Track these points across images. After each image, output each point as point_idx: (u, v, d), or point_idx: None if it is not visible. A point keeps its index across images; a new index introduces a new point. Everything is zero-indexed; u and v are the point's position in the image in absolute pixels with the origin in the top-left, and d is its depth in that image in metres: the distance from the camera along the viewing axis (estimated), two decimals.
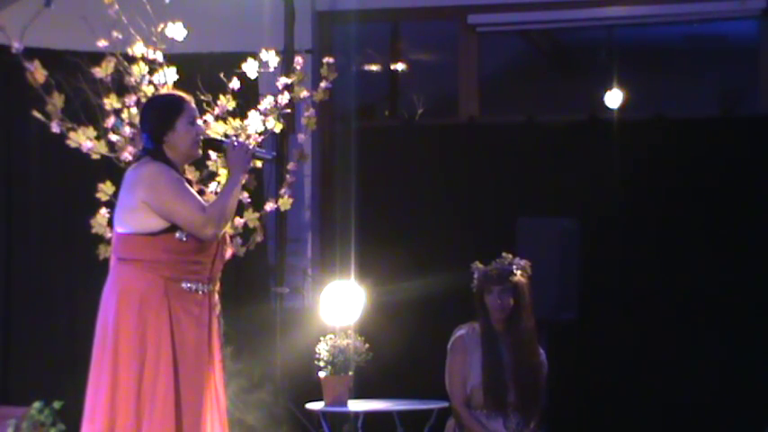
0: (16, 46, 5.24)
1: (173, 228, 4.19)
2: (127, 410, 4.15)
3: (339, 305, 6.07)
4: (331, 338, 5.82)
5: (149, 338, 4.15)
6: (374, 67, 7.73)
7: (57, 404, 5.77)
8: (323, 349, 5.79)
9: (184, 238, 4.20)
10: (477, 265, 5.50)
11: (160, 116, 4.33)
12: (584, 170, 6.72)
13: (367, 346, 5.83)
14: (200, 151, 4.38)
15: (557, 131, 6.85)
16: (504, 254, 5.52)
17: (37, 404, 5.83)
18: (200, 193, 4.39)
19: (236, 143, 4.38)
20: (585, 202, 6.67)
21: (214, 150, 4.51)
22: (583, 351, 6.55)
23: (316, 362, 5.80)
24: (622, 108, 7.10)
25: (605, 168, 6.67)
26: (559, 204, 6.64)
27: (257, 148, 4.55)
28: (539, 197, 6.72)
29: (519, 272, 5.45)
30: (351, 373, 5.80)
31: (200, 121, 4.48)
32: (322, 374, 5.79)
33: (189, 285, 4.22)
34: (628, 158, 6.68)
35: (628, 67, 7.17)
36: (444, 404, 5.64)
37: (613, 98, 7.15)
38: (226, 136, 5.18)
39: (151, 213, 4.19)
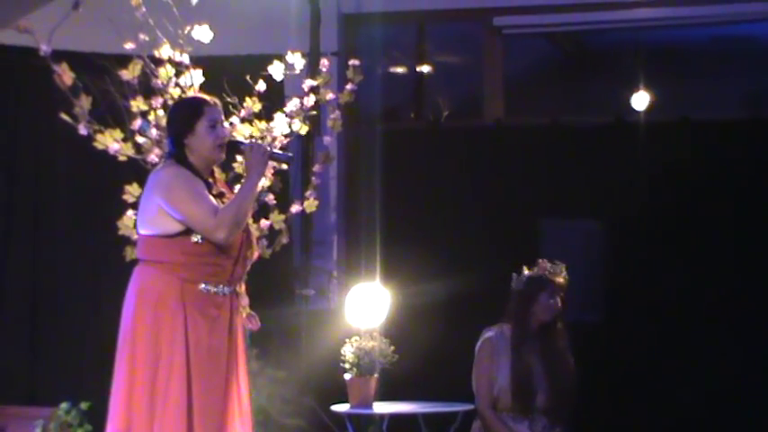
0: (44, 48, 5.28)
1: (189, 230, 4.21)
2: (141, 411, 4.17)
3: (364, 307, 6.06)
4: (356, 340, 5.82)
5: (164, 339, 4.18)
6: (399, 70, 7.71)
7: (84, 405, 5.80)
8: (348, 351, 5.80)
9: (201, 241, 4.21)
10: (525, 269, 5.53)
11: (181, 119, 4.36)
12: (609, 172, 6.69)
13: (392, 348, 5.85)
14: (223, 154, 4.38)
15: (582, 134, 6.83)
16: (540, 260, 5.54)
17: (64, 405, 5.86)
18: (221, 195, 4.38)
19: (253, 145, 4.38)
20: (611, 204, 6.65)
21: (236, 152, 4.52)
22: (607, 353, 6.51)
23: (341, 364, 5.81)
24: (648, 110, 7.07)
25: (631, 170, 6.65)
26: (584, 206, 6.63)
27: (275, 150, 4.55)
28: (564, 199, 6.70)
29: (564, 274, 5.51)
30: (376, 375, 5.80)
31: (225, 124, 4.50)
32: (347, 376, 5.80)
33: (207, 287, 4.23)
34: (653, 161, 6.64)
35: (654, 69, 7.13)
36: (470, 406, 5.64)
37: (639, 100, 7.11)
38: (251, 138, 5.18)
39: (168, 216, 4.22)
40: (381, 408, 5.84)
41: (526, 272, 5.52)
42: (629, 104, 7.11)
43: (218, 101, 4.44)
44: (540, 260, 5.55)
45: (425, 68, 7.57)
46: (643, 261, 6.62)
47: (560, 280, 5.48)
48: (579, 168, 6.74)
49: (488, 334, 5.51)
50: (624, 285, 6.57)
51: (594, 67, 7.46)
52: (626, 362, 6.56)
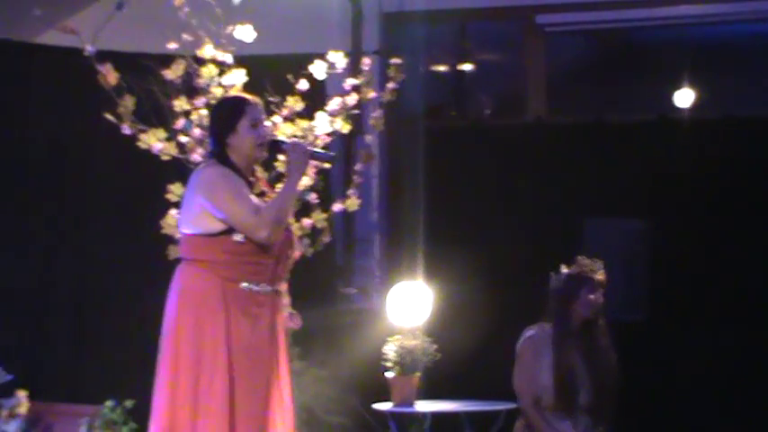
0: (89, 49, 5.31)
1: (231, 229, 4.23)
2: (184, 409, 4.19)
3: (407, 306, 6.04)
4: (399, 339, 5.82)
5: (206, 338, 4.19)
6: (441, 68, 7.70)
7: (128, 403, 5.82)
8: (390, 350, 5.81)
9: (242, 240, 4.22)
10: (564, 268, 5.51)
11: (222, 118, 4.38)
12: (652, 170, 6.66)
13: (435, 346, 5.85)
14: (265, 153, 4.40)
15: (625, 131, 6.80)
16: (579, 258, 5.51)
17: (109, 403, 5.87)
18: (263, 194, 4.39)
19: (295, 144, 4.39)
20: (654, 202, 6.62)
21: (278, 151, 4.52)
22: (650, 353, 6.48)
23: (383, 362, 5.81)
24: (692, 107, 7.03)
25: (675, 168, 6.61)
26: (628, 205, 6.60)
27: (316, 149, 4.56)
28: (607, 198, 6.68)
29: (602, 270, 5.49)
30: (418, 373, 5.80)
31: (267, 123, 4.50)
32: (390, 375, 5.80)
33: (249, 286, 4.24)
34: (698, 158, 6.61)
35: (697, 66, 7.08)
36: (512, 405, 5.61)
37: (683, 97, 7.07)
38: (293, 137, 5.20)
39: (209, 215, 4.24)
40: (424, 406, 5.84)
41: (565, 270, 5.49)
42: (672, 102, 7.08)
43: (259, 100, 4.46)
44: (579, 257, 5.53)
45: (467, 66, 7.56)
46: (687, 260, 6.59)
47: (600, 276, 5.45)
48: (622, 166, 6.71)
49: (530, 333, 5.50)
50: (667, 285, 6.54)
51: (638, 64, 7.40)
52: (669, 361, 6.52)
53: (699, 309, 6.57)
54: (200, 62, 5.44)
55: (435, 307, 6.13)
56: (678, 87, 7.07)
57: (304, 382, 5.90)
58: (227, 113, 4.38)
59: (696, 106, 7.04)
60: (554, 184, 6.80)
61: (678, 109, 7.03)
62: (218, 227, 4.23)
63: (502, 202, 6.86)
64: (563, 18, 7.03)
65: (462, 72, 7.58)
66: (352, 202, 5.73)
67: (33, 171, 6.45)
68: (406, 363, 5.76)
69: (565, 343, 5.40)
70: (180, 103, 5.42)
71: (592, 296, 5.42)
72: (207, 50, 5.43)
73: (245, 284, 4.24)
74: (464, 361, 6.36)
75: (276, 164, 5.35)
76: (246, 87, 5.30)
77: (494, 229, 6.80)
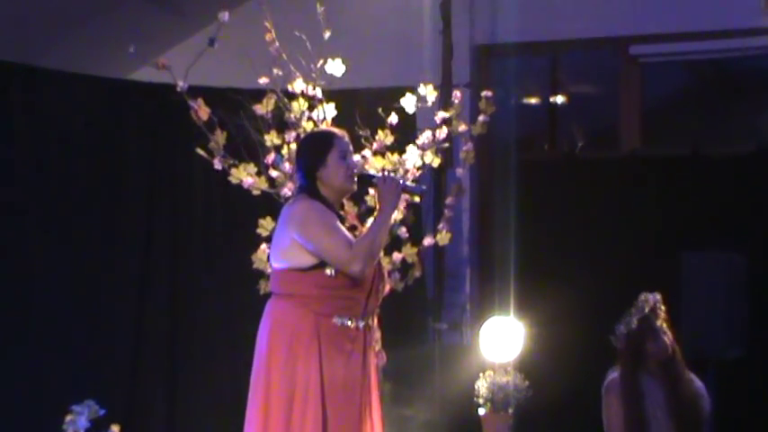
0: (181, 84, 5.36)
1: (323, 263, 4.23)
2: None
3: (499, 341, 6.01)
4: (490, 375, 5.81)
5: (299, 374, 4.19)
6: (533, 100, 7.65)
7: None
8: (482, 386, 5.81)
9: (334, 274, 4.22)
10: (630, 319, 5.41)
11: (311, 152, 4.40)
12: (751, 202, 6.54)
13: (527, 383, 5.82)
14: (355, 185, 4.40)
15: (723, 163, 6.69)
16: (641, 296, 5.43)
17: None
18: (353, 228, 4.39)
19: (386, 177, 4.39)
20: (754, 235, 6.47)
21: (368, 185, 4.55)
22: (752, 390, 6.34)
23: (475, 399, 5.79)
24: None
25: None
26: (727, 239, 6.42)
27: (407, 183, 4.55)
28: (705, 232, 6.54)
29: (660, 306, 5.39)
30: (511, 410, 5.77)
31: (357, 156, 4.55)
32: (481, 412, 5.78)
33: (341, 321, 4.24)
34: None
35: None
36: None
37: None
38: (384, 171, 5.20)
39: (302, 249, 4.24)
40: None
41: (621, 327, 5.38)
42: None
43: (345, 132, 4.47)
44: (640, 297, 5.41)
45: (560, 99, 7.52)
46: None
47: (659, 321, 5.34)
48: (721, 199, 6.60)
49: (613, 375, 5.42)
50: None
51: (734, 94, 7.33)
52: None
53: None
54: (291, 96, 5.46)
55: (527, 342, 6.09)
56: None
57: (394, 417, 5.84)
58: (315, 147, 4.42)
59: None
60: (649, 218, 6.71)
61: None
62: (310, 261, 4.24)
63: (595, 237, 6.78)
64: (658, 49, 6.97)
65: (555, 104, 7.54)
66: (443, 237, 5.70)
67: (126, 207, 6.53)
68: (498, 399, 5.75)
69: (635, 398, 5.30)
70: (270, 138, 5.45)
71: (657, 346, 5.32)
72: (297, 85, 5.45)
73: (337, 319, 4.24)
74: (557, 398, 6.28)
75: (366, 198, 5.37)
76: (336, 121, 5.34)
77: (587, 264, 6.72)
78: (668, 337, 5.34)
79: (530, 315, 6.33)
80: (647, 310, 5.36)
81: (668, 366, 5.35)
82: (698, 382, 5.41)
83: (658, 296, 5.41)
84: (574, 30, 7.01)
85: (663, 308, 5.39)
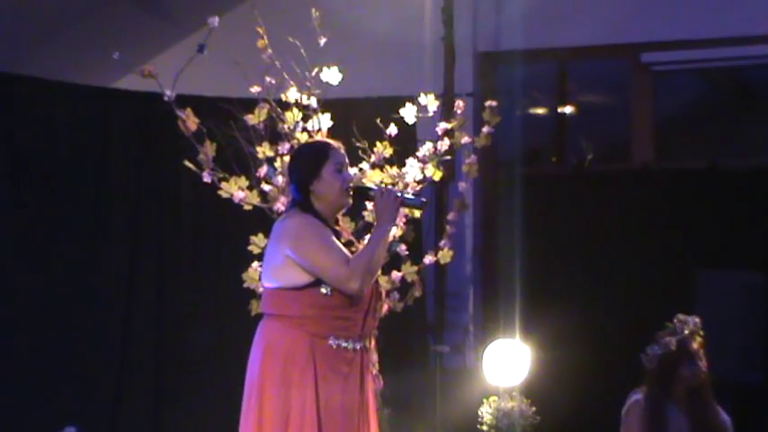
0: (168, 93, 5.29)
1: (318, 282, 4.17)
2: None
3: (503, 365, 5.97)
4: (495, 401, 5.79)
5: (294, 399, 4.13)
6: (540, 110, 7.66)
7: None
8: (486, 412, 5.76)
9: (330, 293, 4.15)
10: (668, 339, 5.26)
11: (305, 164, 4.36)
12: None
13: (533, 409, 5.79)
14: (351, 199, 4.35)
15: (740, 177, 6.65)
16: (679, 316, 5.28)
17: None
18: (349, 244, 4.33)
19: (383, 190, 4.34)
20: None
21: (365, 199, 4.49)
22: None
23: (479, 426, 5.77)
24: None
25: None
26: (744, 256, 6.42)
27: (406, 195, 4.48)
28: (721, 249, 6.51)
29: (699, 330, 5.27)
30: None
31: (353, 169, 4.54)
32: None
33: (338, 342, 4.18)
34: None
35: None
36: None
37: None
38: (382, 184, 5.15)
39: (295, 267, 4.17)
40: None
41: (656, 348, 5.25)
42: None
43: (341, 144, 4.43)
44: (676, 319, 5.28)
45: (568, 109, 7.51)
46: None
47: (696, 345, 5.21)
48: (738, 215, 6.55)
49: (635, 397, 5.31)
50: None
51: (753, 104, 7.34)
52: None
53: None
54: (284, 106, 5.42)
55: (534, 366, 6.03)
56: None
57: None
58: (310, 159, 4.35)
59: None
60: (662, 235, 6.66)
61: None
62: (304, 279, 4.16)
63: (605, 255, 6.73)
64: (671, 56, 6.94)
65: (563, 115, 7.52)
66: (445, 254, 5.62)
67: (111, 219, 6.48)
68: (502, 426, 5.72)
69: (658, 423, 5.16)
70: (263, 150, 5.39)
71: (691, 371, 5.19)
72: (291, 94, 5.40)
73: (333, 341, 4.18)
74: (565, 424, 6.25)
75: (364, 213, 5.31)
76: (332, 132, 5.30)
77: (597, 284, 6.69)
78: (703, 364, 5.23)
79: (536, 337, 6.27)
80: (686, 332, 5.24)
81: (696, 394, 5.23)
82: (724, 415, 5.31)
83: (697, 319, 5.28)
84: (582, 36, 7.02)
85: (701, 332, 5.25)
